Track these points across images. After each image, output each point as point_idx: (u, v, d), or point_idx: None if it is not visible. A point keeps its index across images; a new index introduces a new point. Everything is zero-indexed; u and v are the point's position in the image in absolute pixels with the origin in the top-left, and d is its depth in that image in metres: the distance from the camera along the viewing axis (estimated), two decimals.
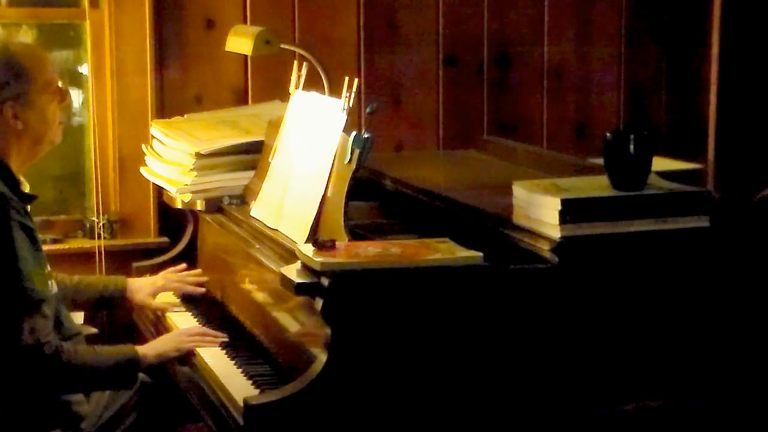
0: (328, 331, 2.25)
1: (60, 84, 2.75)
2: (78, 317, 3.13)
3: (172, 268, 3.24)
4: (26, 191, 2.74)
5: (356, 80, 2.67)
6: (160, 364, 2.74)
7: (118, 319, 3.53)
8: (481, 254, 2.34)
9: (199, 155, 3.23)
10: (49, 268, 2.69)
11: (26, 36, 3.50)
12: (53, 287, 2.67)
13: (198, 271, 3.24)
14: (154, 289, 3.13)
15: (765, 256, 2.62)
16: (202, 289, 3.16)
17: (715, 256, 2.53)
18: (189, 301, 3.16)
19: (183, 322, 3.00)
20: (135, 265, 3.46)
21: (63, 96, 2.76)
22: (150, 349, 2.72)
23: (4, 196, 2.58)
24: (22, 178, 2.83)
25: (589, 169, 2.95)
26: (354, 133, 2.61)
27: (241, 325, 2.88)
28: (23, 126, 2.67)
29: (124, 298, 3.08)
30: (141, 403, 2.92)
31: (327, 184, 2.68)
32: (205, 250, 3.34)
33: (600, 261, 2.45)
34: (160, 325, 3.06)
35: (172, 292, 3.19)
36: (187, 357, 2.73)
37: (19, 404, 2.60)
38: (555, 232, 2.41)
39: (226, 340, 2.77)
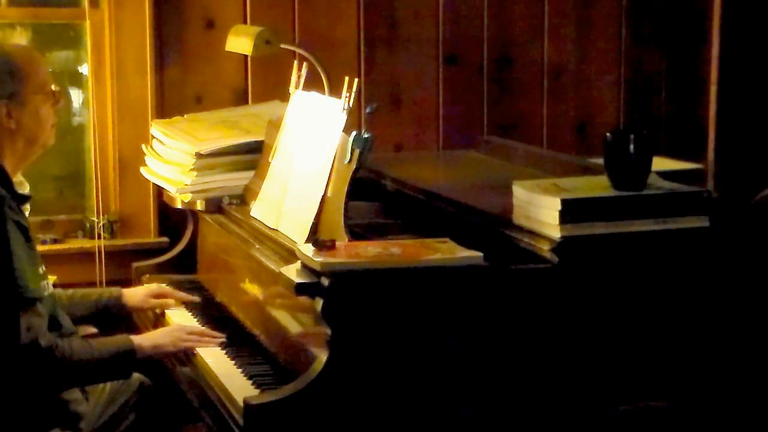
0: (328, 331, 2.25)
1: (54, 86, 2.76)
2: None
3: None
4: (23, 192, 2.73)
5: (356, 80, 2.67)
6: (155, 356, 2.73)
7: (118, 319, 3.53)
8: (481, 254, 2.34)
9: (199, 155, 3.23)
10: (44, 268, 2.68)
11: (21, 38, 3.51)
12: (48, 287, 2.67)
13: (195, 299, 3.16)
14: (150, 291, 3.12)
15: (765, 256, 2.62)
16: (196, 299, 3.14)
17: (715, 256, 2.53)
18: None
19: (182, 320, 2.99)
20: (135, 265, 3.46)
21: (57, 98, 2.76)
22: (146, 340, 2.72)
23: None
24: (22, 179, 2.82)
25: (589, 169, 2.95)
26: (354, 133, 2.61)
27: (241, 325, 2.88)
28: (16, 125, 2.67)
29: (121, 306, 3.05)
30: (141, 403, 2.92)
31: (327, 184, 2.68)
32: (205, 250, 3.34)
33: (600, 261, 2.45)
34: (159, 325, 3.05)
35: None
36: (185, 356, 2.73)
37: (17, 404, 2.60)
38: (555, 232, 2.41)
39: (224, 340, 2.76)
